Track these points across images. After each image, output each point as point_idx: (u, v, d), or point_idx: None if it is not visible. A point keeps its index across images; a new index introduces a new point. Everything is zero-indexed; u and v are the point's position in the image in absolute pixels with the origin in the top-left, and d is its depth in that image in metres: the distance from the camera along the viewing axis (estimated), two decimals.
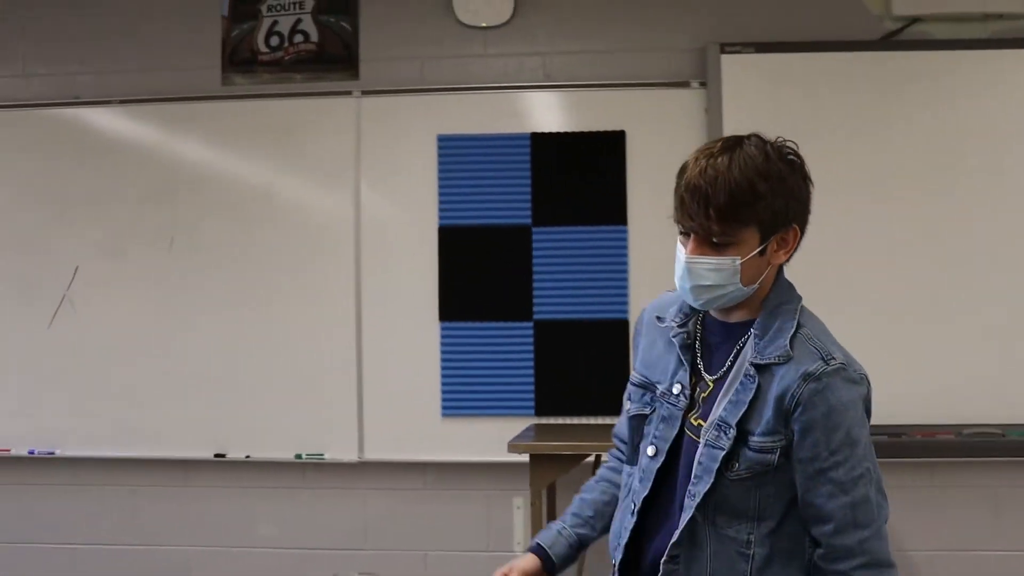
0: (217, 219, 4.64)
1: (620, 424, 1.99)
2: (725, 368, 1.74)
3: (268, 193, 4.62)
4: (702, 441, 1.69)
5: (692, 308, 1.81)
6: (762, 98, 4.38)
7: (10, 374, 4.73)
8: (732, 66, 4.37)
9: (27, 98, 4.79)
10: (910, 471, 4.33)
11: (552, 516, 4.15)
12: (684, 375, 1.77)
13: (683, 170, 1.69)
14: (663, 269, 4.29)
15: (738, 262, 1.66)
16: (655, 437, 1.77)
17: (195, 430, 4.61)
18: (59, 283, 4.71)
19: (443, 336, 4.51)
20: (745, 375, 1.69)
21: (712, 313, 1.80)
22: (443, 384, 4.50)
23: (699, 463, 1.68)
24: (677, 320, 1.82)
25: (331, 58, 4.65)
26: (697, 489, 1.68)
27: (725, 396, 1.70)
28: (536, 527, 3.72)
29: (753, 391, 1.67)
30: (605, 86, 4.48)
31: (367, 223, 4.57)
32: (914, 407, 4.19)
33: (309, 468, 4.65)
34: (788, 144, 1.74)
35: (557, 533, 1.95)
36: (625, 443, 1.93)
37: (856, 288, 4.26)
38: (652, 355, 1.87)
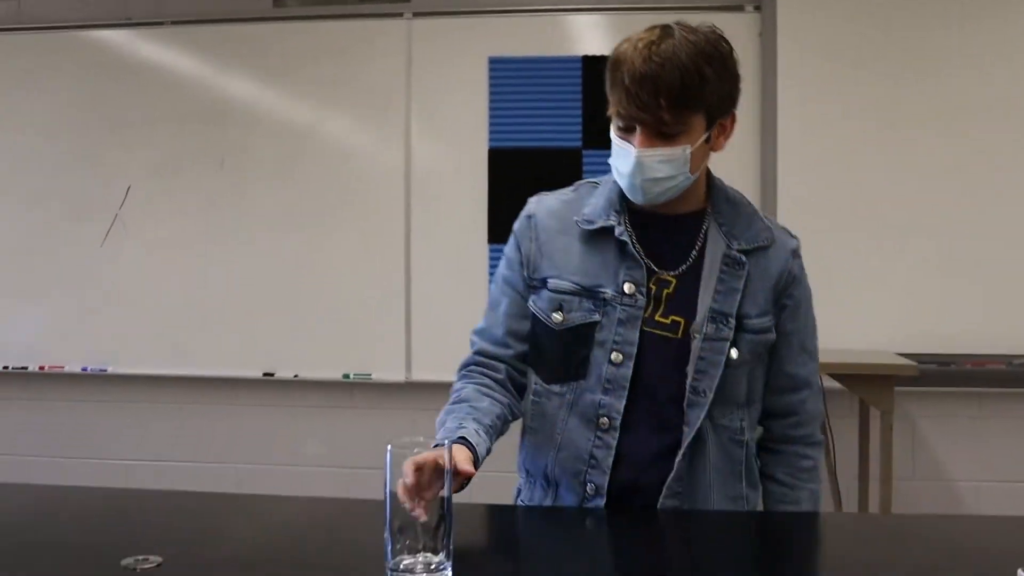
0: (267, 141, 4.67)
1: (502, 335, 1.80)
2: (690, 262, 1.71)
3: (318, 115, 4.64)
4: (699, 336, 1.66)
5: (621, 206, 1.73)
6: (818, 23, 4.34)
7: (64, 292, 4.79)
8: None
9: (81, 19, 4.83)
10: (959, 400, 4.31)
11: None
12: (639, 274, 1.69)
13: (619, 61, 1.58)
14: None
15: (688, 151, 1.61)
16: (616, 343, 1.67)
17: (244, 349, 4.65)
18: (112, 202, 4.76)
19: (492, 258, 4.52)
20: (727, 264, 1.70)
21: (646, 208, 1.71)
22: None
23: (700, 358, 1.67)
24: (613, 219, 1.71)
25: None
26: (704, 384, 1.67)
27: (707, 288, 1.69)
28: None
29: (744, 277, 1.70)
30: (658, 9, 4.43)
31: (417, 145, 4.59)
32: (964, 336, 4.17)
33: (356, 388, 4.68)
34: (716, 28, 1.68)
35: (476, 434, 1.61)
36: (538, 358, 1.79)
37: (911, 218, 4.22)
38: (573, 260, 1.73)
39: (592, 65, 4.47)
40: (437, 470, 1.33)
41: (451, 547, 1.27)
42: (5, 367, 4.81)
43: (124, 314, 4.73)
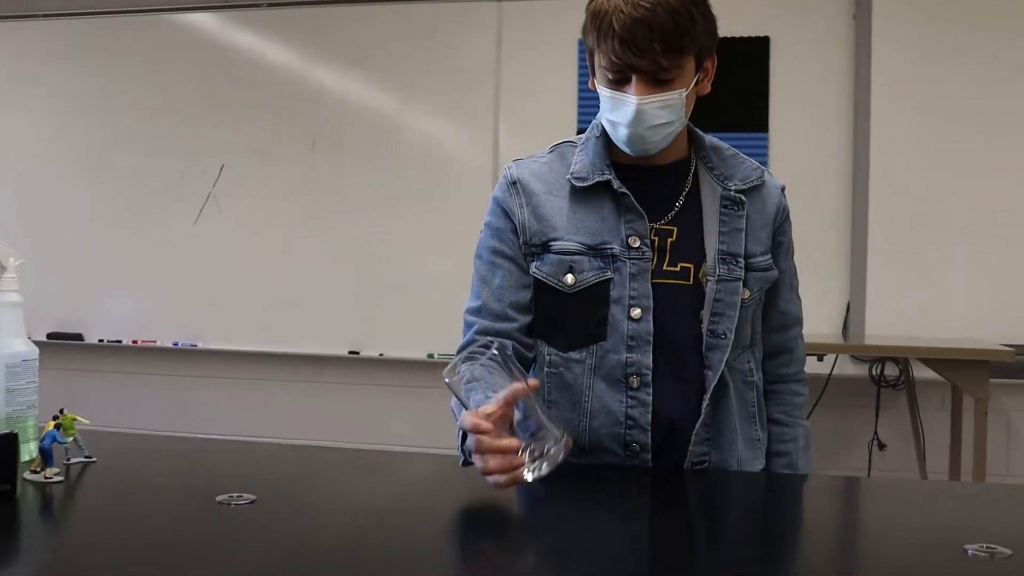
0: (357, 123, 4.73)
1: (502, 308, 1.72)
2: (678, 209, 1.68)
3: (408, 97, 4.69)
4: (712, 279, 1.64)
5: (608, 161, 1.69)
6: (913, 6, 4.25)
7: (157, 269, 4.91)
8: None
9: (182, 1, 4.95)
10: None
11: None
12: (641, 226, 1.65)
13: (603, 12, 1.53)
14: (804, 177, 4.28)
15: (684, 94, 1.58)
16: (632, 298, 1.63)
17: (330, 327, 4.72)
18: (206, 181, 4.86)
19: None
20: (725, 205, 1.67)
21: (629, 162, 1.69)
22: None
23: (716, 300, 1.64)
24: (608, 173, 1.67)
25: None
26: (723, 327, 1.65)
27: (712, 231, 1.66)
28: None
29: (744, 216, 1.68)
30: None
31: (505, 128, 4.60)
32: None
33: (440, 367, 4.68)
34: None
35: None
36: (550, 326, 1.71)
37: (1007, 210, 4.13)
38: (571, 220, 1.68)
39: None
40: (502, 420, 1.33)
41: (548, 417, 1.31)
42: (100, 340, 4.95)
43: (214, 291, 4.83)
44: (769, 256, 1.72)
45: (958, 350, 3.46)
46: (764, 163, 4.28)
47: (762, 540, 1.33)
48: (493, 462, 1.32)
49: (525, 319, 1.71)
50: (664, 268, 1.66)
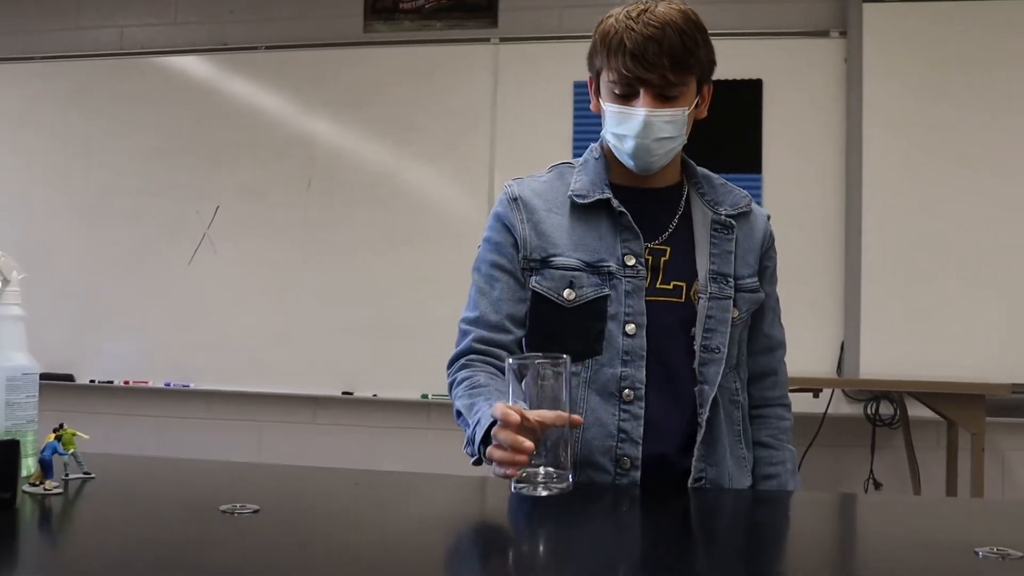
0: (353, 164, 4.76)
1: (499, 320, 1.75)
2: (672, 230, 1.74)
3: (405, 139, 4.72)
4: (704, 297, 1.70)
5: (607, 181, 1.75)
6: (904, 49, 4.31)
7: (151, 309, 4.89)
8: (874, 15, 4.31)
9: (181, 44, 4.99)
10: None
11: None
12: (637, 245, 1.70)
13: (612, 31, 1.63)
14: (797, 217, 4.31)
15: (687, 112, 1.66)
16: (628, 315, 1.68)
17: (324, 368, 4.70)
18: (201, 222, 4.87)
19: None
20: (716, 229, 1.75)
21: (626, 184, 1.76)
22: None
23: (709, 316, 1.70)
24: (608, 192, 1.73)
25: (470, 6, 4.74)
26: (716, 341, 1.70)
27: (703, 253, 1.73)
28: None
29: (734, 240, 1.75)
30: (743, 35, 4.47)
31: (502, 167, 4.63)
32: None
33: (435, 408, 4.69)
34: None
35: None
36: (547, 339, 1.72)
37: (1000, 248, 4.15)
38: (570, 237, 1.73)
39: None
40: (524, 429, 1.33)
41: (572, 460, 1.29)
42: (92, 380, 4.92)
43: (208, 331, 4.82)
44: (756, 279, 1.78)
45: (953, 383, 3.47)
46: (758, 204, 4.35)
47: (789, 551, 1.32)
48: (499, 454, 1.36)
49: (520, 332, 1.75)
50: (657, 286, 1.71)
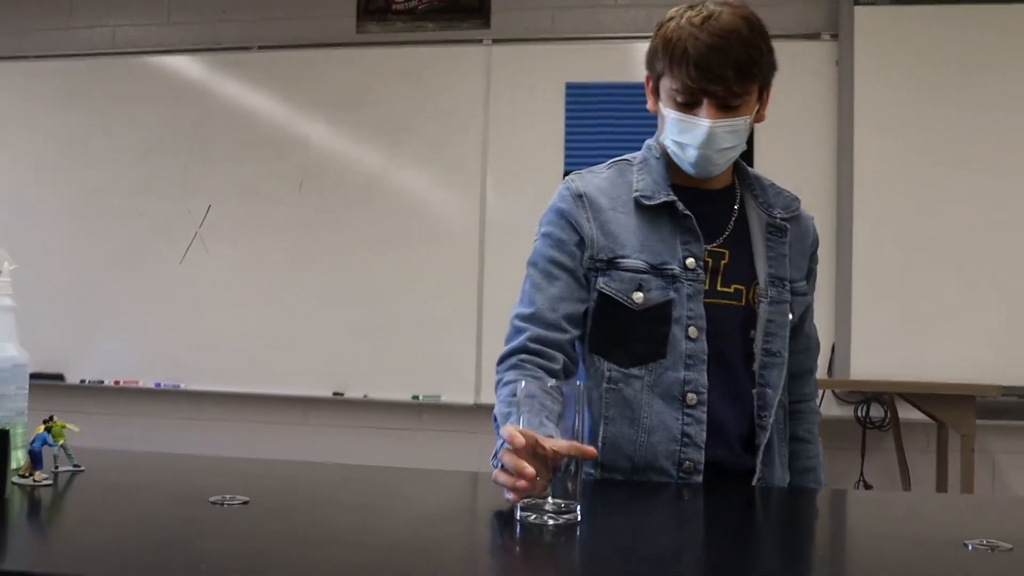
0: (345, 165, 4.75)
1: (557, 318, 1.69)
2: (728, 233, 1.73)
3: (397, 140, 4.72)
4: (764, 300, 1.70)
5: (666, 182, 1.73)
6: (895, 51, 4.32)
7: (142, 309, 4.88)
8: (865, 18, 4.33)
9: (173, 44, 4.99)
10: None
11: None
12: (697, 248, 1.69)
13: (676, 39, 1.60)
14: None
15: (748, 121, 1.65)
16: (690, 318, 1.67)
17: (315, 369, 4.69)
18: (192, 221, 4.86)
19: None
20: (771, 232, 1.75)
21: (685, 184, 1.73)
22: None
23: (770, 320, 1.71)
24: (673, 195, 1.70)
25: (463, 7, 4.75)
26: (777, 345, 1.71)
27: (760, 256, 1.73)
28: None
29: (787, 244, 1.76)
30: None
31: (494, 168, 4.63)
32: None
33: (425, 409, 4.69)
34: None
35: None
36: (612, 342, 1.71)
37: (992, 249, 4.17)
38: (636, 238, 1.70)
39: None
40: (537, 455, 1.27)
41: (579, 489, 1.26)
42: (82, 380, 4.91)
43: (198, 331, 4.81)
44: (805, 282, 1.80)
45: (944, 384, 3.48)
46: None
47: (779, 545, 1.32)
48: (502, 477, 1.29)
49: (576, 332, 1.71)
50: (717, 289, 1.70)
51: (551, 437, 1.29)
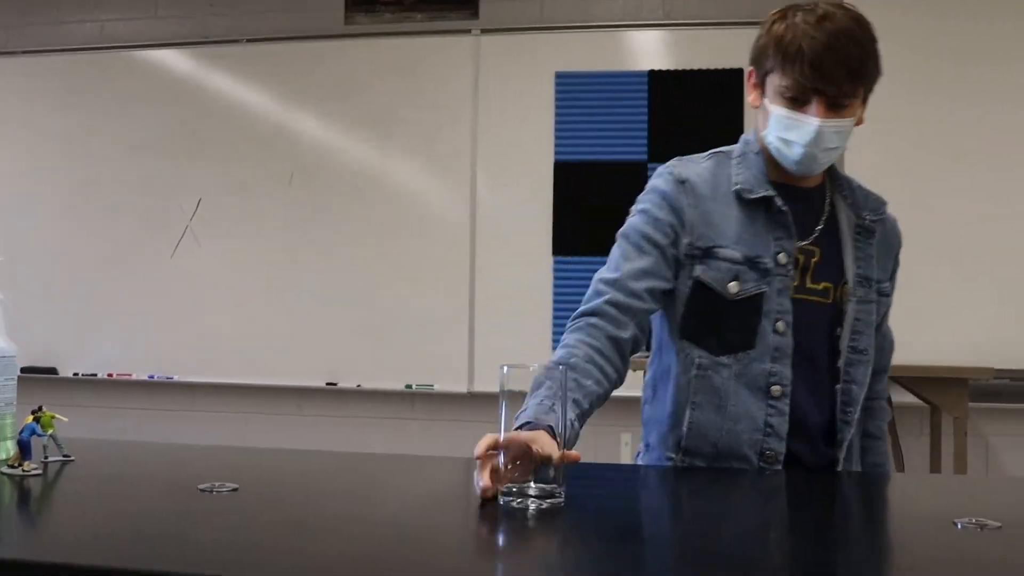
0: (335, 157, 4.75)
1: (641, 289, 1.69)
2: (818, 232, 1.75)
3: (387, 131, 4.71)
4: (852, 299, 1.73)
5: (765, 177, 1.74)
6: (888, 40, 4.28)
7: (134, 302, 4.88)
8: (857, 8, 4.30)
9: (161, 38, 4.97)
10: None
11: None
12: (789, 244, 1.71)
13: (790, 37, 1.62)
14: None
15: (852, 122, 1.67)
16: (779, 312, 1.70)
17: (307, 359, 4.69)
18: (183, 215, 4.85)
19: (556, 270, 4.53)
20: (858, 232, 1.77)
21: (780, 180, 1.74)
22: (555, 318, 4.52)
23: (857, 319, 1.74)
24: (772, 190, 1.72)
25: None
26: (864, 343, 1.75)
27: (849, 255, 1.76)
28: None
29: (874, 245, 1.79)
30: (724, 24, 4.47)
31: (484, 159, 4.63)
32: None
33: (419, 398, 4.69)
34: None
35: (571, 425, 1.50)
36: (705, 329, 1.72)
37: (986, 234, 4.18)
38: (734, 229, 1.72)
39: (658, 79, 4.48)
40: (524, 454, 1.27)
41: (564, 474, 1.26)
42: (75, 373, 4.90)
43: (191, 323, 4.81)
44: (889, 283, 1.84)
45: (936, 368, 3.48)
46: None
47: (770, 524, 1.32)
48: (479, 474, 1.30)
49: (656, 306, 1.74)
50: (807, 285, 1.73)
51: (550, 428, 1.31)
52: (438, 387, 4.60)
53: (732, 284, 1.69)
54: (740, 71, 4.45)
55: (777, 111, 1.66)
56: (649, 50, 4.55)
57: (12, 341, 1.55)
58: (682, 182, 1.74)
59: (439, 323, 4.61)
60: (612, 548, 1.07)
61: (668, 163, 1.80)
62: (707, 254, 1.71)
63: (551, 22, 4.63)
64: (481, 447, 1.29)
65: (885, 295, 1.82)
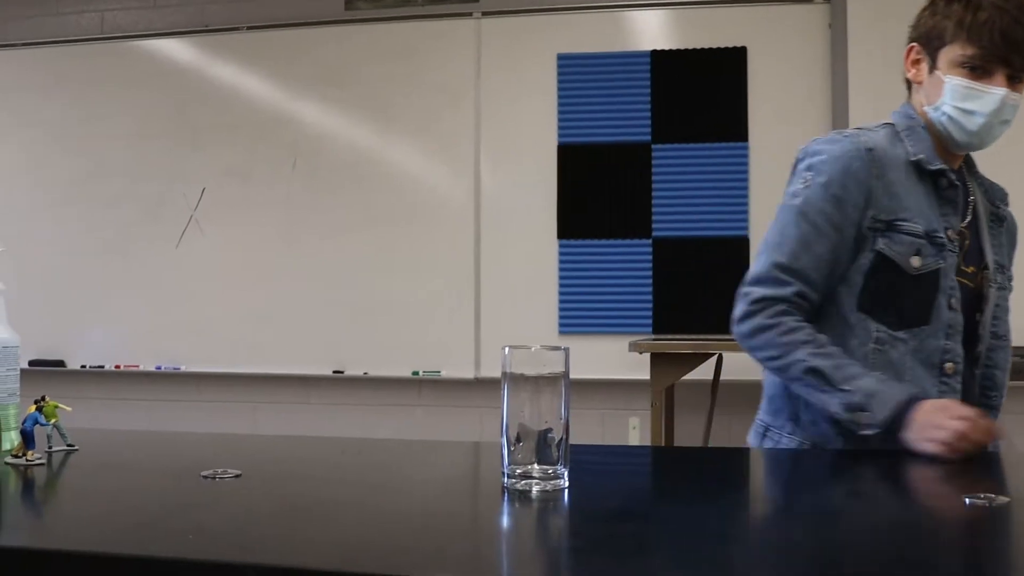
0: (338, 142, 4.74)
1: (818, 279, 1.70)
2: (970, 216, 1.75)
3: (389, 116, 4.70)
4: (994, 285, 1.75)
5: (934, 151, 1.73)
6: (888, 13, 4.27)
7: (140, 292, 4.88)
8: None
9: (161, 27, 4.96)
10: None
11: (669, 426, 4.11)
12: (956, 221, 1.71)
13: (975, 7, 1.63)
14: (784, 185, 4.29)
15: (1020, 99, 1.67)
16: (951, 289, 1.69)
17: (314, 347, 4.69)
18: (187, 205, 4.85)
19: (561, 254, 4.52)
20: (991, 219, 1.79)
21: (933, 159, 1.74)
22: (561, 302, 4.51)
23: (997, 304, 1.77)
24: (944, 163, 1.71)
25: None
26: (1003, 329, 1.79)
27: (986, 241, 1.76)
28: (655, 436, 3.70)
29: (1002, 233, 1.82)
30: (727, 2, 4.45)
31: (487, 142, 4.62)
32: None
33: (425, 385, 4.69)
34: None
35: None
36: (884, 303, 1.70)
37: None
38: (915, 201, 1.69)
39: (661, 59, 4.46)
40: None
41: (567, 456, 1.25)
42: (83, 366, 4.91)
43: (197, 314, 4.81)
44: (1011, 272, 1.85)
45: None
46: (744, 172, 4.35)
47: (778, 504, 1.32)
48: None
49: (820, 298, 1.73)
50: (960, 267, 1.72)
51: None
52: (445, 373, 4.60)
53: (914, 259, 1.66)
54: (743, 49, 4.42)
55: (956, 81, 1.66)
56: (651, 30, 4.53)
57: (14, 331, 1.55)
58: (870, 150, 1.69)
59: (445, 309, 4.60)
60: (613, 529, 1.06)
61: (853, 130, 1.76)
62: (889, 227, 1.67)
63: (552, 4, 4.60)
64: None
65: (1010, 280, 1.83)
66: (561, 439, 1.24)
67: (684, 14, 4.51)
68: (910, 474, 1.44)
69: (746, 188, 4.38)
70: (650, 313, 4.44)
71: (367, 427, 4.73)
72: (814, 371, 1.60)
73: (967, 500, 1.14)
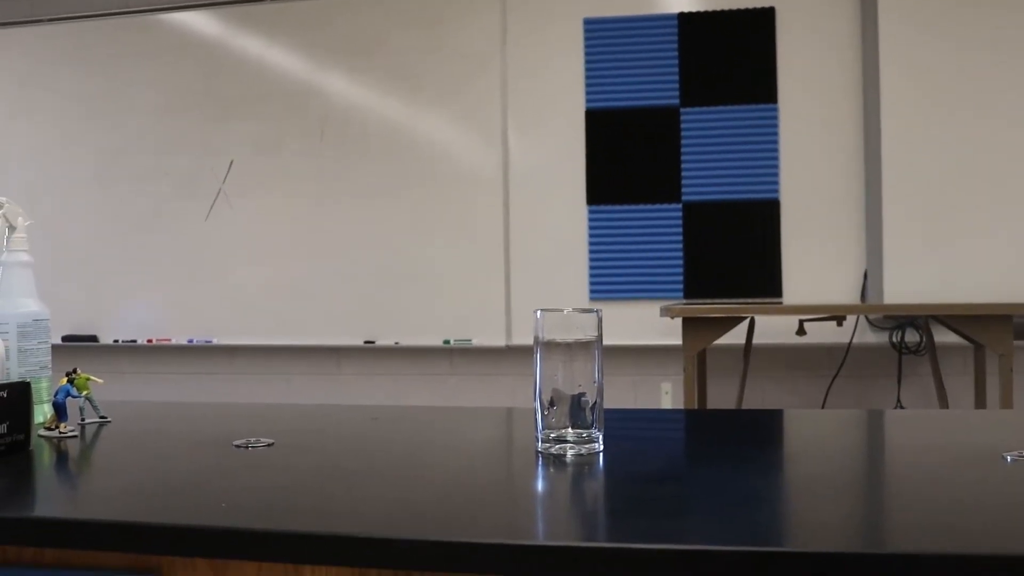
0: (365, 112, 4.72)
1: None
2: None
3: (416, 84, 4.67)
4: None
5: None
6: None
7: (170, 267, 4.90)
8: None
9: (188, 0, 4.97)
10: None
11: (702, 392, 4.09)
12: None
13: None
14: (815, 147, 4.25)
15: None
16: None
17: (345, 318, 4.70)
18: (216, 178, 4.85)
19: (591, 220, 4.49)
20: None
21: None
22: (591, 268, 4.49)
23: None
24: None
25: None
26: None
27: None
28: (688, 402, 3.68)
29: None
30: None
31: (514, 109, 4.58)
32: None
33: (456, 354, 4.69)
34: None
35: None
36: None
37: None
38: None
39: (688, 21, 4.41)
40: None
41: (601, 419, 1.24)
42: (115, 340, 4.94)
43: (227, 286, 4.82)
44: None
45: (979, 305, 3.42)
46: (775, 134, 4.29)
47: (815, 463, 1.30)
48: None
49: None
50: None
51: None
52: (476, 341, 4.59)
53: None
54: (772, 10, 4.36)
55: None
56: None
57: (44, 304, 1.55)
58: None
59: (475, 277, 4.59)
60: (649, 492, 1.05)
61: None
62: None
63: None
64: None
65: None
66: (595, 403, 1.23)
67: None
68: (943, 431, 1.42)
69: (776, 150, 4.33)
70: (681, 278, 4.41)
71: (399, 397, 4.74)
72: None
73: (1007, 457, 1.12)
